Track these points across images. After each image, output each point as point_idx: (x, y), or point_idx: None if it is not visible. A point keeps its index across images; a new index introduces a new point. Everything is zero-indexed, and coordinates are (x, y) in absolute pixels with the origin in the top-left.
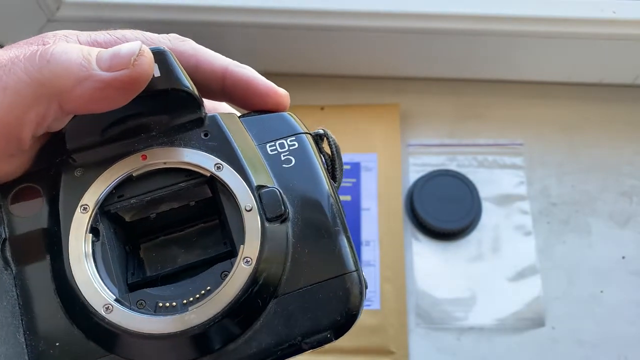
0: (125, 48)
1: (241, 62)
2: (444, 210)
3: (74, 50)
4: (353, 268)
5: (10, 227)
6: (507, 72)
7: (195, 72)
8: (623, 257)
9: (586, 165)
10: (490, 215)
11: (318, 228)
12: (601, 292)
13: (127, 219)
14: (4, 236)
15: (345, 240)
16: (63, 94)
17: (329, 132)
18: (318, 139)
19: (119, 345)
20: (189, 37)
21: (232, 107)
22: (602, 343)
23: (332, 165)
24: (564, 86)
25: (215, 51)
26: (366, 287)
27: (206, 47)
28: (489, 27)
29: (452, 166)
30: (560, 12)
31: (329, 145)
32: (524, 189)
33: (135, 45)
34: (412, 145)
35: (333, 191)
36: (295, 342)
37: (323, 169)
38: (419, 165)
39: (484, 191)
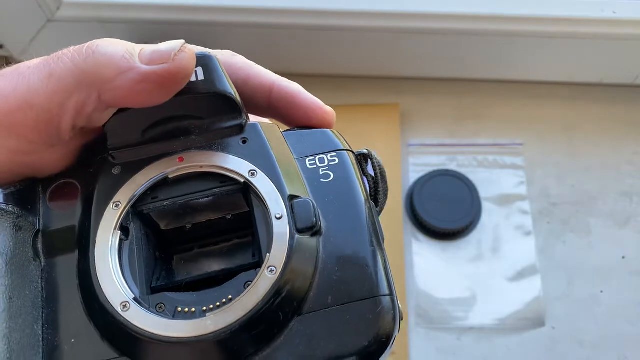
0: (167, 44)
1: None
2: (444, 210)
3: (119, 44)
4: (387, 292)
5: (45, 219)
6: (507, 72)
7: (243, 85)
8: (623, 257)
9: (586, 165)
10: (490, 215)
11: (352, 246)
12: (601, 292)
13: (163, 226)
14: (37, 227)
15: (380, 262)
16: (103, 84)
17: (374, 154)
18: (362, 158)
19: (131, 348)
20: (188, 37)
21: (277, 124)
22: (602, 343)
23: (375, 187)
24: (564, 86)
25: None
26: (401, 318)
27: (206, 47)
28: (489, 27)
29: (452, 166)
30: (560, 12)
31: (374, 167)
32: (524, 189)
33: (177, 42)
34: (412, 145)
35: (372, 211)
36: None
37: (363, 187)
38: (419, 165)
39: (484, 191)
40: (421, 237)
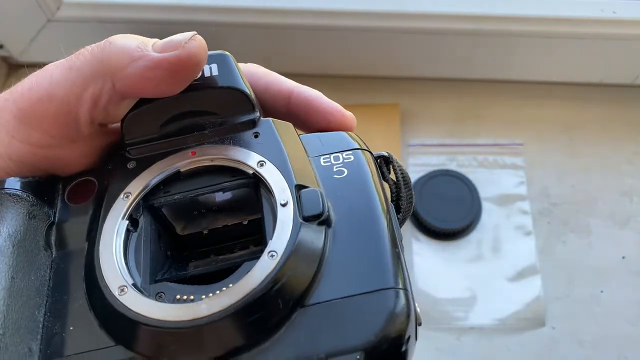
0: (179, 35)
1: (241, 62)
2: (444, 210)
3: (135, 38)
4: (400, 285)
5: (61, 214)
6: (507, 72)
7: (264, 91)
8: (623, 257)
9: (586, 165)
10: (490, 215)
11: (364, 240)
12: (601, 292)
13: (179, 230)
14: (52, 220)
15: (394, 256)
16: (116, 72)
17: (395, 158)
18: (382, 161)
19: (126, 334)
20: None
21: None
22: (602, 343)
23: (398, 193)
24: (564, 86)
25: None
26: (419, 323)
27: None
28: (489, 27)
29: (452, 166)
30: (560, 12)
31: (395, 171)
32: (524, 189)
33: (188, 33)
34: (412, 145)
35: (387, 207)
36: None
37: (380, 186)
38: (419, 165)
39: (484, 191)
40: (421, 237)
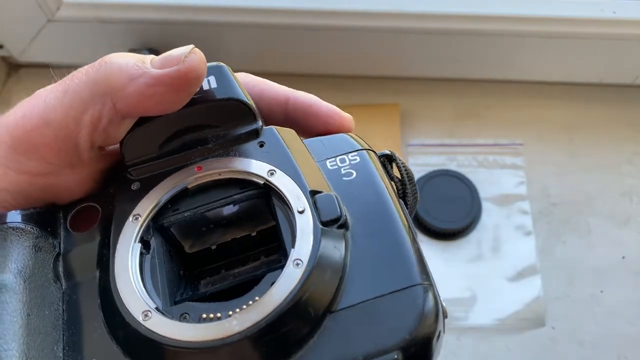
0: (177, 49)
1: (241, 62)
2: (444, 210)
3: (131, 55)
4: (426, 281)
5: (66, 243)
6: (507, 72)
7: (259, 99)
8: (623, 257)
9: (586, 165)
10: (490, 215)
11: (383, 239)
12: (601, 292)
13: (187, 248)
14: (58, 250)
15: (416, 252)
16: (116, 92)
17: (397, 155)
18: (385, 160)
19: (154, 359)
20: (189, 37)
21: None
22: (602, 343)
23: (403, 189)
24: (564, 86)
25: (215, 51)
26: (445, 316)
27: (206, 47)
28: (489, 27)
29: (452, 166)
30: (560, 12)
31: (399, 168)
32: (524, 189)
33: (187, 47)
34: (412, 145)
35: (399, 204)
36: None
37: (388, 184)
38: (419, 165)
39: (484, 191)
40: (421, 237)
